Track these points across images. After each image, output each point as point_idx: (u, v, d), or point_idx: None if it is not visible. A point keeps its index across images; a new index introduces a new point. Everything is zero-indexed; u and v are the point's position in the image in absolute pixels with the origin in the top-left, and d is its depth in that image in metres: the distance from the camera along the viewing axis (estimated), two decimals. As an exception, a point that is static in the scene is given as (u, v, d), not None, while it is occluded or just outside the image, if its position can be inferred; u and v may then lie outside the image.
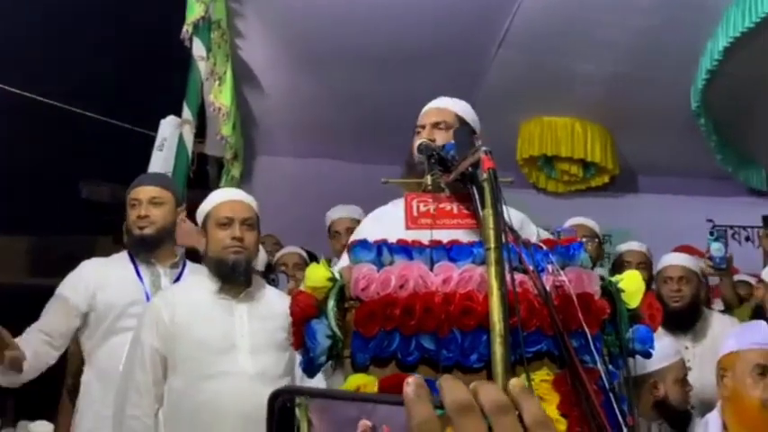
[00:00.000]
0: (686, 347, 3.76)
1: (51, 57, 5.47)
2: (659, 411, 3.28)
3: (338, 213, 4.71)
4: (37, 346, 3.16)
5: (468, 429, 0.59)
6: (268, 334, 3.00)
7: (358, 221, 3.59)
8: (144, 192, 3.45)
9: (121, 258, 3.46)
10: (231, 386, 2.87)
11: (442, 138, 2.57)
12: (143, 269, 3.39)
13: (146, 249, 3.41)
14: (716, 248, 4.37)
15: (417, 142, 2.55)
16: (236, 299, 3.02)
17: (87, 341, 3.30)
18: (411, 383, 0.62)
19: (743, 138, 6.03)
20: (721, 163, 6.11)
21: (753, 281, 4.90)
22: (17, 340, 3.03)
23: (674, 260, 4.15)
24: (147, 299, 3.27)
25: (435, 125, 2.67)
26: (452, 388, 0.61)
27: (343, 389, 1.82)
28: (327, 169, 6.45)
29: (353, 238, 2.52)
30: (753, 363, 2.80)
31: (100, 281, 3.32)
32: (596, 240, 4.61)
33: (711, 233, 4.43)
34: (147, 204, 3.42)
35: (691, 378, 3.52)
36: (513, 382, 0.64)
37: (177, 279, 3.41)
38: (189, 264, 3.54)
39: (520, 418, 0.61)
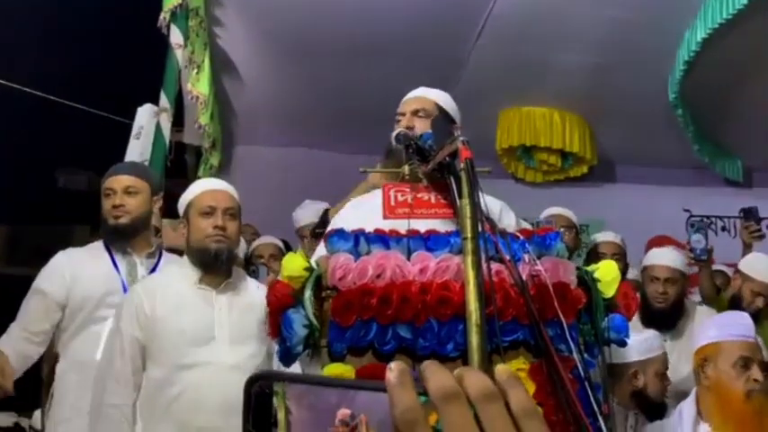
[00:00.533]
0: (665, 340, 3.79)
1: (28, 44, 5.41)
2: (636, 401, 3.32)
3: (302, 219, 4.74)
4: (20, 347, 3.16)
5: (453, 417, 0.58)
6: (247, 325, 3.00)
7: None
8: (119, 181, 3.42)
9: (97, 248, 3.42)
10: (209, 377, 2.87)
11: (421, 125, 2.57)
12: (119, 259, 3.37)
13: (121, 239, 3.39)
14: (696, 240, 4.40)
15: (396, 131, 2.56)
16: (217, 289, 3.01)
17: (62, 332, 3.27)
18: (394, 369, 0.60)
19: (720, 129, 6.08)
20: (698, 154, 6.15)
21: (729, 271, 4.95)
22: None
23: (661, 259, 4.14)
24: (124, 289, 3.25)
25: (415, 113, 2.68)
26: (437, 374, 0.59)
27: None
28: (306, 158, 6.44)
29: (332, 224, 2.55)
30: (736, 354, 2.83)
31: (76, 272, 3.29)
32: (573, 230, 4.62)
33: (692, 225, 4.45)
34: (122, 194, 3.38)
35: (669, 371, 3.56)
36: (500, 368, 0.62)
37: (153, 269, 3.39)
38: (165, 254, 3.51)
39: (507, 406, 0.59)
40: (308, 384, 0.69)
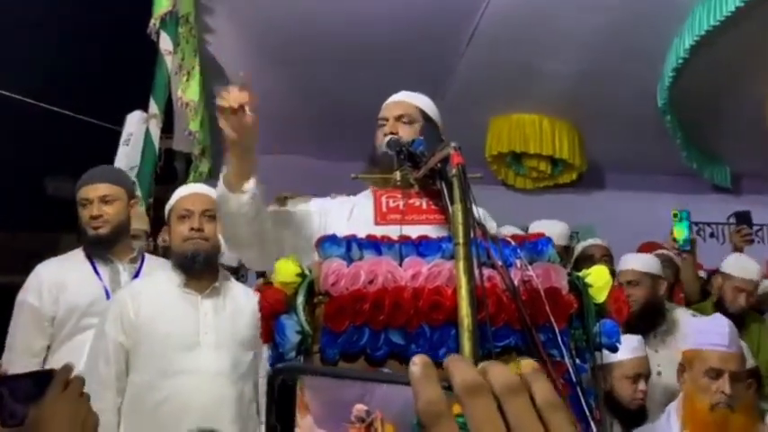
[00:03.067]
0: (656, 351, 3.78)
1: (17, 51, 5.39)
2: (607, 405, 3.31)
3: None
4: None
5: (479, 411, 0.57)
6: (233, 331, 2.99)
7: None
8: (94, 190, 3.37)
9: (78, 256, 3.39)
10: (194, 383, 2.86)
11: (405, 132, 2.55)
12: (101, 266, 3.34)
13: (102, 248, 3.36)
14: (679, 230, 4.42)
15: (384, 137, 2.54)
16: (202, 294, 3.01)
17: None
18: (418, 362, 0.60)
19: (708, 136, 6.11)
20: (687, 160, 6.19)
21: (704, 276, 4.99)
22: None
23: (625, 264, 4.13)
24: (108, 296, 3.23)
25: (398, 118, 2.64)
26: (462, 368, 0.59)
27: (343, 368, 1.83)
28: (296, 165, 6.43)
29: (321, 213, 2.57)
30: (708, 365, 2.86)
31: (60, 282, 3.26)
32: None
33: (675, 215, 4.45)
34: (99, 203, 3.34)
35: (661, 381, 3.55)
36: (524, 363, 0.62)
37: (137, 274, 3.37)
38: (148, 257, 3.51)
39: (531, 400, 0.59)
40: (330, 377, 0.69)
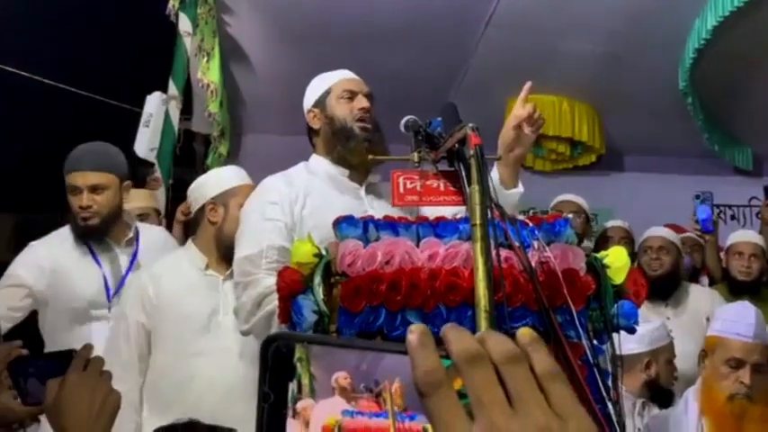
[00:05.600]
0: (668, 318, 3.82)
1: (35, 32, 5.41)
2: (649, 390, 3.33)
3: None
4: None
5: (478, 380, 0.56)
6: None
7: None
8: (83, 178, 3.24)
9: (70, 239, 3.30)
10: (214, 364, 2.87)
11: (372, 111, 2.71)
12: (99, 252, 3.27)
13: (95, 238, 3.28)
14: (702, 211, 4.43)
15: (349, 110, 2.68)
16: (223, 276, 3.02)
17: (51, 332, 3.23)
18: (415, 330, 0.58)
19: (730, 117, 6.06)
20: (708, 142, 6.14)
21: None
22: None
23: (654, 231, 4.26)
24: (106, 285, 3.21)
25: (368, 96, 2.76)
26: (459, 337, 0.58)
27: (342, 337, 1.83)
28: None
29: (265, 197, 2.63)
30: (730, 354, 2.84)
31: (56, 266, 3.21)
32: (583, 215, 4.65)
33: (698, 196, 4.48)
34: (89, 193, 3.22)
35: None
36: (523, 331, 0.60)
37: (134, 257, 3.32)
38: (141, 233, 3.41)
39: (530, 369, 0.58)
40: (327, 346, 0.68)
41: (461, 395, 0.56)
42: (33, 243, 3.31)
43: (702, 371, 2.98)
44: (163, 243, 3.52)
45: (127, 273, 3.28)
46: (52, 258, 3.24)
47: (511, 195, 2.45)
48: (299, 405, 0.69)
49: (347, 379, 0.69)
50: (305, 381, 0.69)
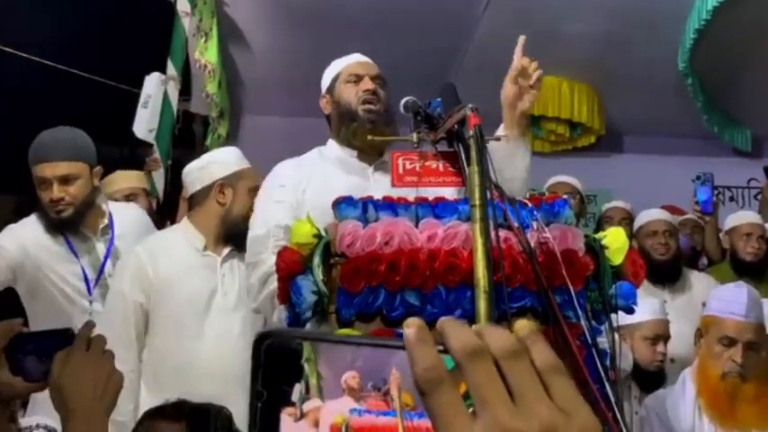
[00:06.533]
0: (665, 301, 3.83)
1: (33, 12, 5.38)
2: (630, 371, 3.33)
3: None
4: None
5: (480, 376, 0.54)
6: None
7: None
8: (52, 168, 3.07)
9: (43, 230, 3.16)
10: (214, 346, 2.87)
11: (381, 93, 2.74)
12: (75, 243, 3.16)
13: (69, 229, 3.15)
14: (702, 192, 4.44)
15: (356, 92, 2.72)
16: (221, 256, 3.02)
17: (32, 321, 3.08)
18: (412, 325, 0.56)
19: (730, 98, 6.04)
20: (708, 123, 6.13)
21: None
22: None
23: (656, 215, 4.23)
24: (85, 277, 3.14)
25: (374, 78, 2.78)
26: (458, 331, 0.56)
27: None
28: (313, 128, 6.37)
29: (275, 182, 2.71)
30: (723, 332, 2.87)
31: (37, 253, 3.10)
32: (578, 196, 4.65)
33: (698, 177, 4.48)
34: (60, 185, 3.06)
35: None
36: (521, 324, 0.59)
37: (110, 243, 3.22)
38: (114, 214, 3.29)
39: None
40: (320, 341, 0.67)
41: (465, 396, 0.54)
42: (16, 225, 3.18)
43: (698, 350, 3.00)
44: (138, 223, 3.43)
45: (105, 261, 3.19)
46: (30, 242, 3.11)
47: (521, 158, 2.47)
48: (307, 406, 0.68)
49: (356, 378, 0.68)
50: (312, 381, 0.67)
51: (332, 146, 2.83)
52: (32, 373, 1.48)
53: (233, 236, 3.02)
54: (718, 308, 2.96)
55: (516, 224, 1.90)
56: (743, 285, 3.05)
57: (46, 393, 1.45)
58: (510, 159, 2.41)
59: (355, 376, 0.71)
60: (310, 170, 2.71)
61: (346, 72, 2.81)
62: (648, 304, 3.37)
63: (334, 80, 2.83)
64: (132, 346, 2.88)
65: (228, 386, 2.71)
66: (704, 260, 4.79)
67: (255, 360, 0.63)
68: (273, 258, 2.32)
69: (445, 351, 0.56)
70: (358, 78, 2.76)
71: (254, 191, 3.02)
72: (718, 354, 2.86)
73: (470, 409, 0.54)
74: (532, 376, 0.55)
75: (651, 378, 3.37)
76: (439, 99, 2.23)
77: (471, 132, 1.83)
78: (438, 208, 1.98)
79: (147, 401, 2.81)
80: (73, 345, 1.44)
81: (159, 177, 4.64)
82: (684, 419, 2.90)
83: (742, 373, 2.81)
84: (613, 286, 1.99)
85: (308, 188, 2.62)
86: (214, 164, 3.12)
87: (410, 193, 2.07)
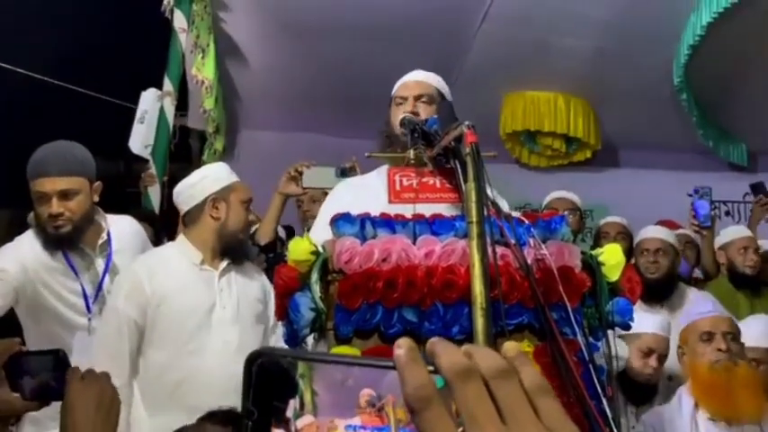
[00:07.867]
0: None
1: (30, 28, 5.39)
2: (618, 379, 3.33)
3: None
4: None
5: (470, 396, 0.55)
6: (248, 306, 3.02)
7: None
8: (51, 184, 3.00)
9: (41, 247, 3.07)
10: (213, 361, 2.87)
11: (425, 111, 2.62)
12: (74, 259, 3.10)
13: (68, 245, 3.09)
14: (700, 206, 4.46)
15: (400, 115, 2.56)
16: (218, 270, 3.03)
17: (29, 337, 3.07)
18: (402, 345, 0.57)
19: (724, 113, 6.07)
20: (703, 138, 6.15)
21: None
22: None
23: (651, 232, 4.22)
24: (84, 294, 3.10)
25: (418, 98, 2.69)
26: (448, 351, 0.57)
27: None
28: (310, 143, 6.41)
29: (330, 201, 2.68)
30: (699, 331, 3.01)
31: (37, 268, 3.03)
32: (577, 213, 4.65)
33: (696, 191, 4.51)
34: (58, 200, 3.00)
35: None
36: (508, 345, 0.60)
37: (108, 259, 3.18)
38: (112, 228, 3.23)
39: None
40: (311, 361, 0.68)
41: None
42: (14, 242, 3.13)
43: (684, 366, 3.12)
44: (135, 237, 3.40)
45: (103, 278, 3.16)
46: (30, 260, 3.04)
47: None
48: (300, 422, 0.69)
49: (364, 397, 0.69)
50: (307, 397, 0.68)
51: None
52: (26, 393, 1.49)
53: (230, 249, 3.04)
54: (689, 317, 3.13)
55: (513, 241, 1.90)
56: (706, 294, 3.20)
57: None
58: None
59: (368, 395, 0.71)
60: (358, 188, 2.76)
61: (396, 96, 2.80)
62: (652, 319, 3.40)
63: (389, 104, 2.82)
64: (125, 361, 2.87)
65: (228, 399, 2.70)
66: (697, 272, 4.80)
67: (246, 379, 0.64)
68: None
69: (435, 371, 0.56)
70: (402, 100, 2.75)
71: (246, 203, 3.05)
72: (702, 352, 2.97)
73: (460, 429, 0.55)
74: (521, 396, 0.56)
75: (640, 390, 3.37)
76: (435, 116, 2.24)
77: (468, 149, 1.83)
78: (435, 225, 1.99)
79: (148, 419, 2.82)
80: (71, 369, 1.45)
81: (155, 193, 4.64)
82: (681, 435, 2.92)
83: (731, 358, 2.91)
84: (610, 303, 2.00)
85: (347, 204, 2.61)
86: (205, 179, 3.11)
87: (407, 210, 2.07)
